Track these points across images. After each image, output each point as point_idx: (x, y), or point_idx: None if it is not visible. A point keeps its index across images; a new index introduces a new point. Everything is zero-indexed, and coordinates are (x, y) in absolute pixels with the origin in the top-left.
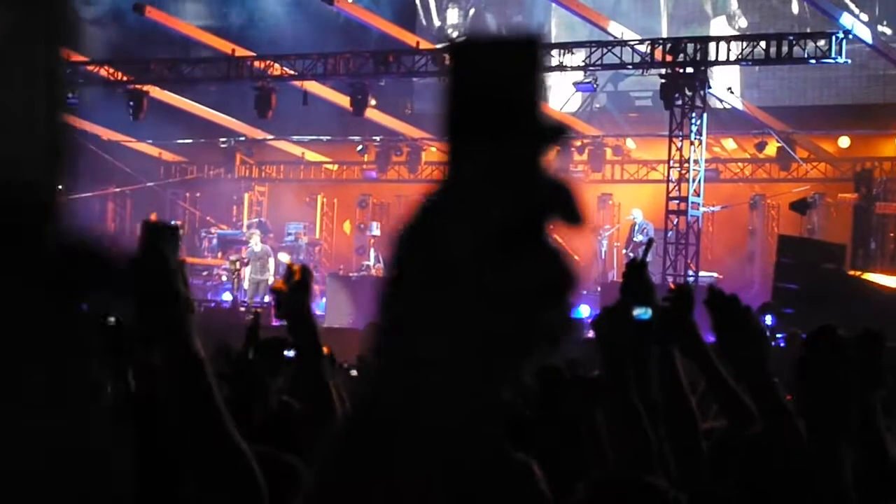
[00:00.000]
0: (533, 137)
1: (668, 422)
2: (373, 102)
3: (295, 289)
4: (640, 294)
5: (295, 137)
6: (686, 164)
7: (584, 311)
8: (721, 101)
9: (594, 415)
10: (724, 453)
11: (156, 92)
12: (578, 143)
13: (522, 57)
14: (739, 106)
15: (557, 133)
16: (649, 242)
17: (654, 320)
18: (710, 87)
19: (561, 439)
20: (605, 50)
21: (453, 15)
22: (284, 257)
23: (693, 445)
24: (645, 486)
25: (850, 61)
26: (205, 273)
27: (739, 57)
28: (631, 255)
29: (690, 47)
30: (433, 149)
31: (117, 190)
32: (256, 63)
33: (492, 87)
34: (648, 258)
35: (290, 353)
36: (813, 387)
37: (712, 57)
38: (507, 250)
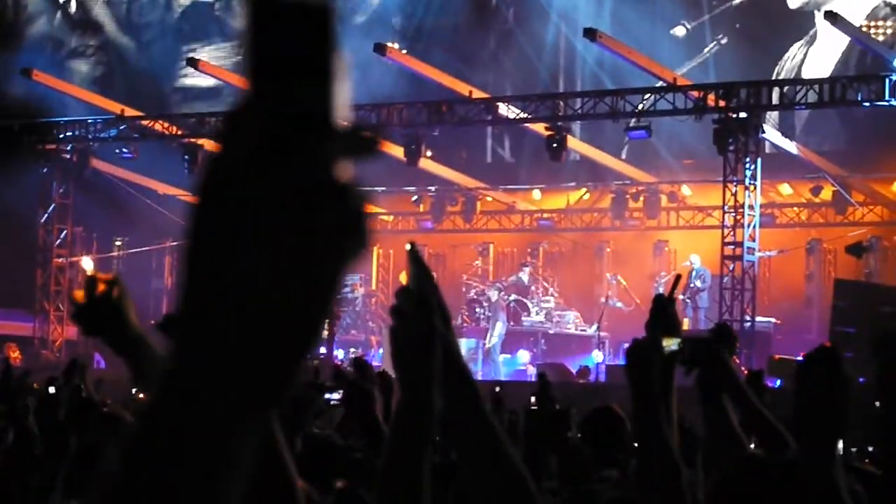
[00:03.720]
0: (325, 89)
1: (712, 453)
2: (429, 153)
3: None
4: (665, 329)
5: None
6: (741, 210)
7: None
8: (775, 146)
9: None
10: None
11: (211, 145)
12: (633, 190)
13: (319, 17)
14: (793, 150)
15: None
16: (677, 279)
17: (684, 351)
18: (763, 132)
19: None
20: (657, 96)
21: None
22: (88, 264)
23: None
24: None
25: None
26: None
27: (792, 101)
28: (688, 301)
29: (743, 92)
30: (489, 198)
31: (174, 243)
32: None
33: (290, 39)
34: (680, 295)
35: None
36: (806, 407)
37: (765, 101)
38: (307, 200)
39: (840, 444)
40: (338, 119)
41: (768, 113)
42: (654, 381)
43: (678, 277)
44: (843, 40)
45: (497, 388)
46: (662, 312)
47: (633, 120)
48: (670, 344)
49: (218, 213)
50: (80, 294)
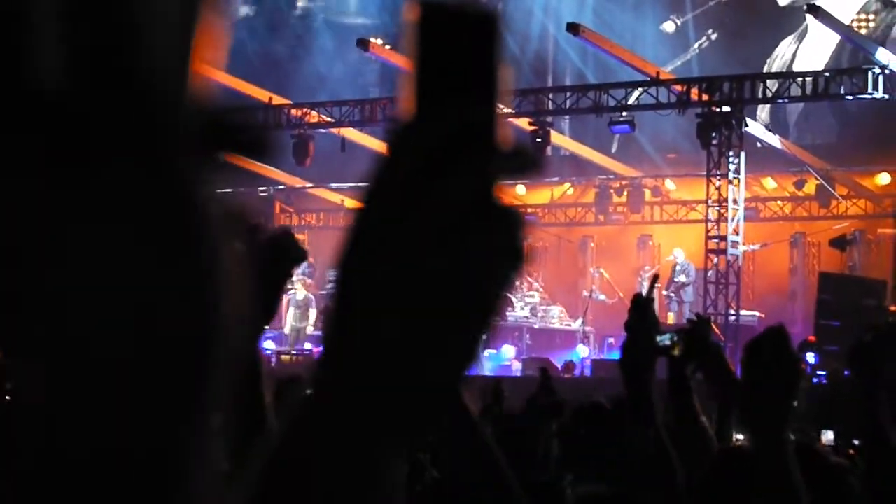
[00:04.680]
0: (490, 108)
1: (680, 442)
2: None
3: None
4: (643, 330)
5: (334, 185)
6: (725, 204)
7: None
8: (758, 139)
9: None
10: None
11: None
12: (617, 185)
13: (484, 29)
14: (777, 144)
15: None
16: (654, 278)
17: (678, 345)
18: (746, 125)
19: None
20: (641, 90)
21: None
22: None
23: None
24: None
25: (887, 96)
26: None
27: (776, 94)
28: (672, 295)
29: (726, 86)
30: None
31: None
32: (293, 111)
33: (455, 55)
34: (664, 290)
35: None
36: (753, 383)
37: (748, 95)
38: (466, 220)
39: (831, 436)
40: (499, 137)
41: (759, 108)
42: (650, 376)
43: (655, 277)
44: (834, 36)
45: (497, 381)
46: (641, 315)
47: (616, 114)
48: (664, 337)
49: (378, 233)
50: None
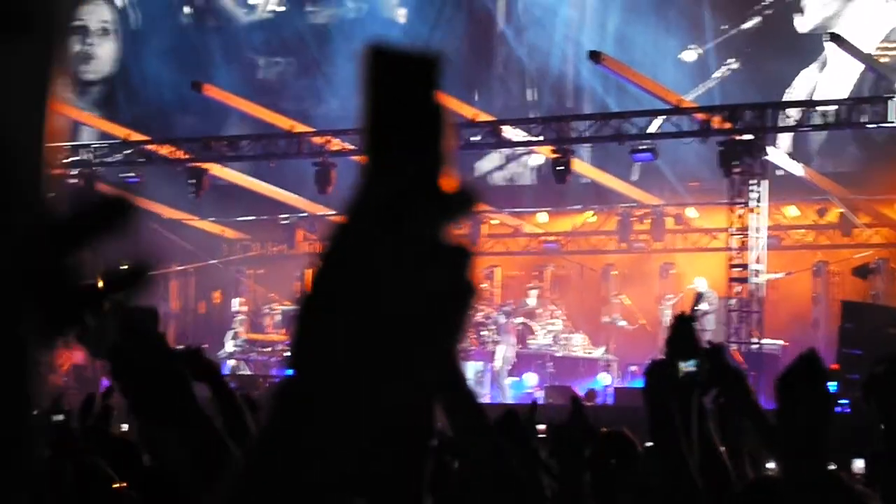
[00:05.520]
0: (437, 152)
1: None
2: None
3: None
4: (685, 348)
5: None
6: (747, 232)
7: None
8: (779, 167)
9: None
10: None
11: (216, 169)
12: (640, 213)
13: (429, 72)
14: (800, 172)
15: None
16: (698, 296)
17: (702, 373)
18: (767, 154)
19: None
20: (662, 119)
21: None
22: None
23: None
24: None
25: None
26: (268, 349)
27: (798, 123)
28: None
29: (748, 114)
30: (494, 221)
31: (180, 268)
32: (315, 139)
33: (401, 99)
34: (699, 311)
35: None
36: (787, 412)
37: (770, 123)
38: (423, 259)
39: (861, 464)
40: (441, 182)
41: (780, 136)
42: (669, 400)
43: (700, 295)
44: (856, 65)
45: (533, 401)
46: (685, 332)
47: (638, 142)
48: (689, 364)
49: (339, 277)
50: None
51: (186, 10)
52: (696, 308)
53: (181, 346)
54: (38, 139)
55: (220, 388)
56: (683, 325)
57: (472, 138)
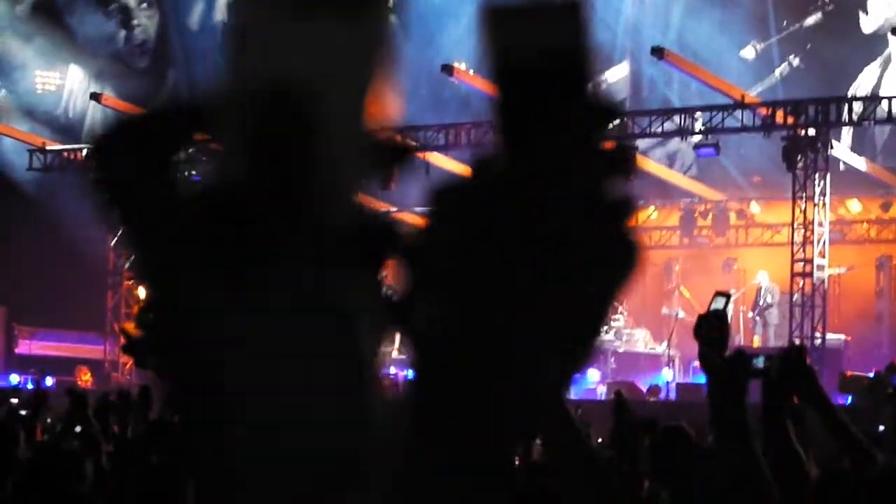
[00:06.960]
0: (587, 116)
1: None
2: None
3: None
4: (712, 341)
5: (418, 209)
6: (810, 226)
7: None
8: (842, 161)
9: None
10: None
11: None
12: (702, 208)
13: (565, 23)
14: (862, 167)
15: (609, 109)
16: (728, 297)
17: (773, 368)
18: (832, 148)
19: None
20: (725, 113)
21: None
22: (143, 292)
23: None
24: None
25: None
26: None
27: (861, 118)
28: (758, 318)
29: (812, 109)
30: None
31: None
32: None
33: (537, 61)
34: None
35: None
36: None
37: (833, 118)
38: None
39: None
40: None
41: (844, 131)
42: (743, 396)
43: (729, 295)
44: None
45: (617, 391)
46: (714, 326)
47: (701, 137)
48: (756, 361)
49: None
50: (131, 326)
51: None
52: (712, 308)
53: None
54: (357, 123)
55: None
56: (715, 320)
57: None
